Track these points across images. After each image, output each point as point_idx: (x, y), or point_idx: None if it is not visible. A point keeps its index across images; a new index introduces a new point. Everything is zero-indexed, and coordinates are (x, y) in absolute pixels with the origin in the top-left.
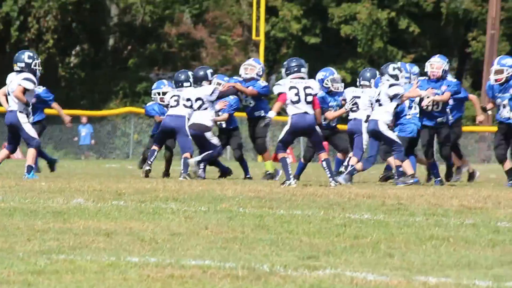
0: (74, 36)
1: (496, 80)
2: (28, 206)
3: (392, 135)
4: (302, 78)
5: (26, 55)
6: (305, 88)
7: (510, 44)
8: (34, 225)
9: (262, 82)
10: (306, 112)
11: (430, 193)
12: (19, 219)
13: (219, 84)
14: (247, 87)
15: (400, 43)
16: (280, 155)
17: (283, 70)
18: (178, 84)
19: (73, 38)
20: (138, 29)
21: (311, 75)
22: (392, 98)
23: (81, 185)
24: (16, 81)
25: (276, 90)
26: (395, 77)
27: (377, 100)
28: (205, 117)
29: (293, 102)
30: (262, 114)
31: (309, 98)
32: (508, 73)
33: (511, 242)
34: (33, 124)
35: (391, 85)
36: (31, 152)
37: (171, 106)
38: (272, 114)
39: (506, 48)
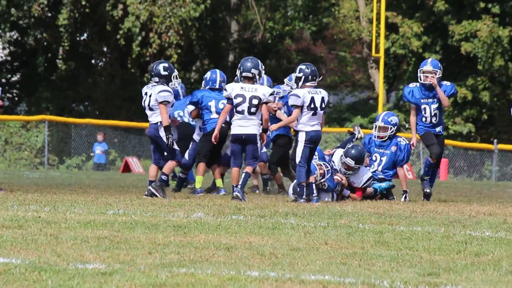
0: (194, 52)
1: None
2: (149, 220)
3: None
4: None
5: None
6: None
7: None
8: (155, 239)
9: None
10: None
11: None
12: (140, 232)
13: None
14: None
15: None
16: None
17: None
18: None
19: (194, 54)
20: (258, 45)
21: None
22: None
23: (201, 200)
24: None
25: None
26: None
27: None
28: None
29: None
30: None
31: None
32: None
33: None
34: None
35: None
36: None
37: None
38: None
39: None
